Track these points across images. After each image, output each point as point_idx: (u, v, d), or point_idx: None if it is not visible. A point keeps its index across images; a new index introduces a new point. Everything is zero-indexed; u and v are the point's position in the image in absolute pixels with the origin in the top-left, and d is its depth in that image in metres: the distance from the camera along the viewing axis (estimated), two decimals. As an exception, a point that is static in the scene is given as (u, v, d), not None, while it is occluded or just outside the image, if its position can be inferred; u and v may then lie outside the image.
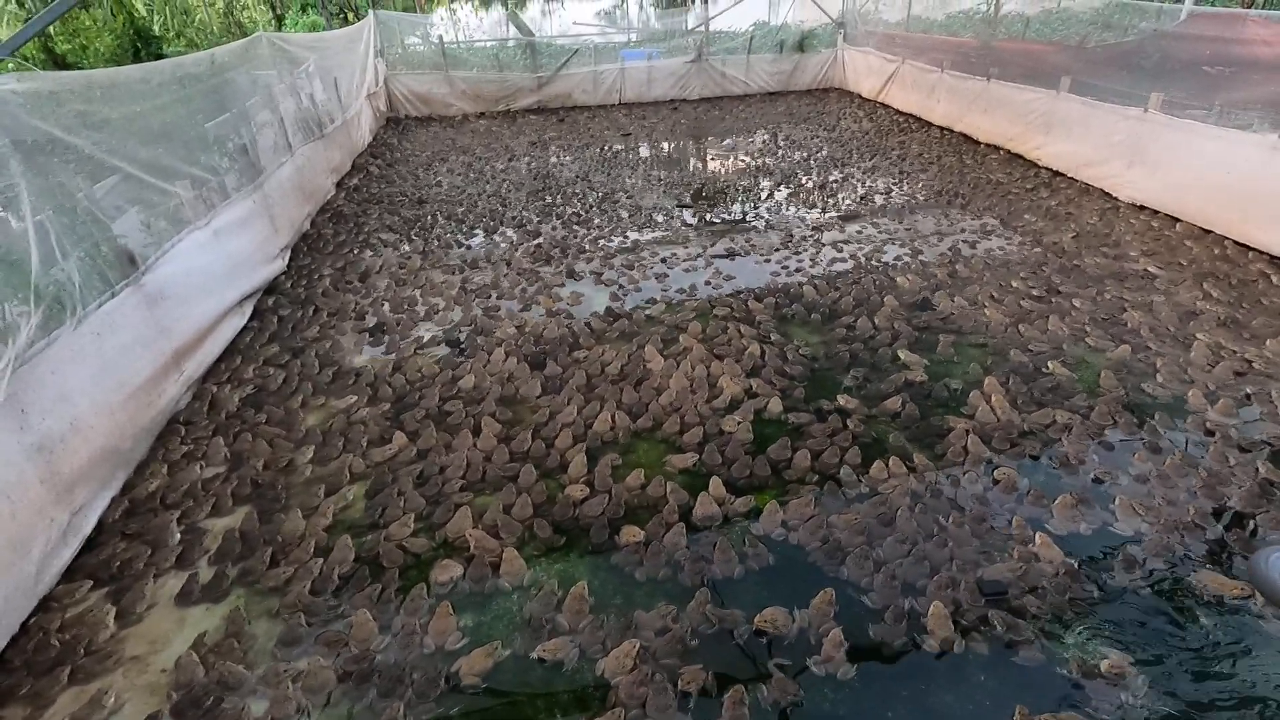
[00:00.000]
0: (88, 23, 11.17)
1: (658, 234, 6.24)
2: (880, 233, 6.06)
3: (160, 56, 10.25)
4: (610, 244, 6.04)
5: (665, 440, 3.60)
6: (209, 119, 5.12)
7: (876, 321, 4.58)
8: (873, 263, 5.48)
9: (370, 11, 10.74)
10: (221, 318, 4.53)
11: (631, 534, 2.98)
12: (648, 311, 4.87)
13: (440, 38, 11.48)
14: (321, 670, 2.45)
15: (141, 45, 10.18)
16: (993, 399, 3.73)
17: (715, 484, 3.23)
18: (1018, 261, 5.37)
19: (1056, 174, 7.32)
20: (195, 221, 4.39)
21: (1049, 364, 4.04)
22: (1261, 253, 5.25)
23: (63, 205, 3.09)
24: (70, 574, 2.89)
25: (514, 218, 6.77)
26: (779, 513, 3.06)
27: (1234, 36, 6.28)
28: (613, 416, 3.74)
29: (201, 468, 3.49)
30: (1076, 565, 2.74)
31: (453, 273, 5.59)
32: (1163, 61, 6.78)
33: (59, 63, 9.80)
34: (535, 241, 6.14)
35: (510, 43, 12.72)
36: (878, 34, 11.55)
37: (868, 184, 7.33)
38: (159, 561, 2.95)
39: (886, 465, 3.30)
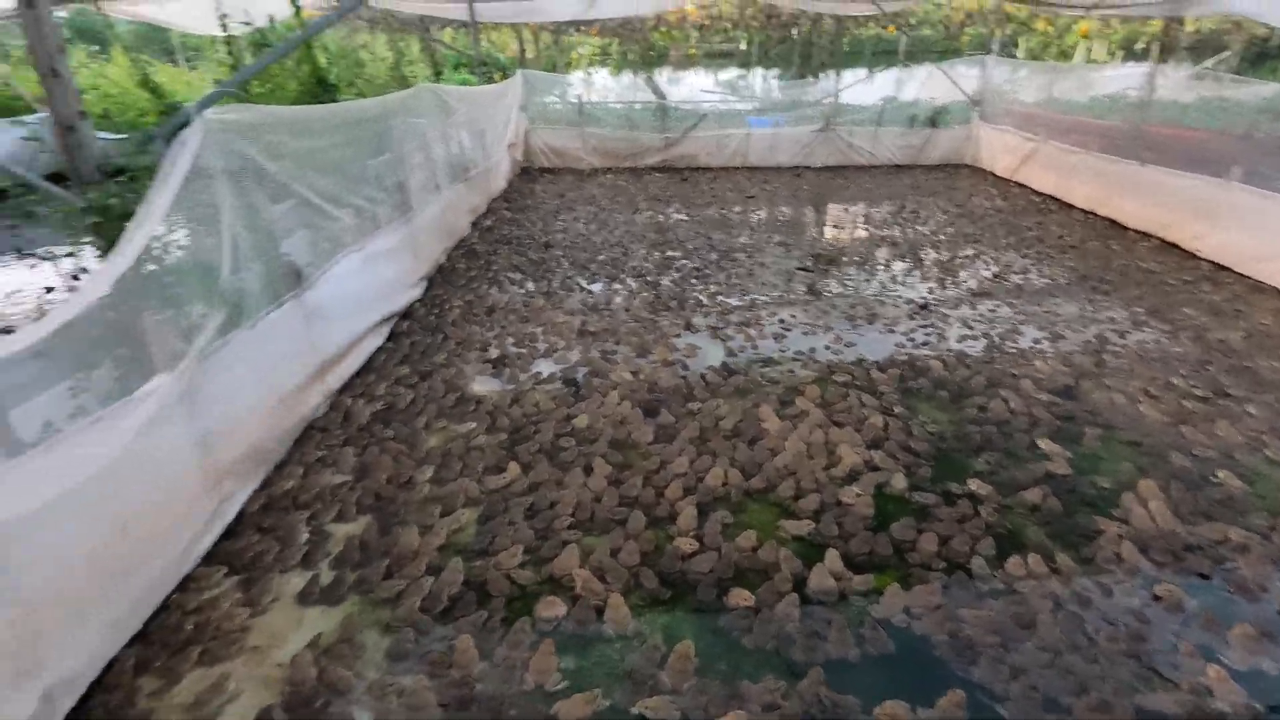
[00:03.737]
0: (276, 70, 12.68)
1: (776, 295, 6.19)
2: (1015, 313, 5.73)
3: (334, 100, 11.38)
4: (729, 301, 6.04)
5: (778, 504, 3.47)
6: (372, 157, 5.61)
7: (1012, 405, 4.28)
8: (1007, 344, 5.17)
9: (519, 71, 11.59)
10: (362, 337, 4.84)
11: (741, 597, 2.85)
12: (764, 370, 4.79)
13: (579, 97, 12.18)
14: (424, 691, 2.46)
15: (321, 91, 11.40)
16: (1150, 504, 3.36)
17: (832, 557, 3.06)
18: (1176, 357, 4.91)
19: (1220, 267, 6.71)
20: (351, 246, 4.77)
21: (1218, 473, 3.61)
22: None
23: (251, 223, 3.43)
24: (209, 558, 3.08)
25: (634, 268, 6.93)
26: (902, 597, 2.84)
27: None
28: (725, 473, 3.65)
29: (332, 474, 3.68)
30: (1263, 710, 2.36)
31: (573, 314, 5.74)
32: (1355, 155, 6.16)
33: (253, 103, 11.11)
34: (654, 292, 6.25)
35: (637, 105, 13.31)
36: (1016, 112, 11.21)
37: (1002, 262, 7.00)
38: (286, 559, 3.10)
39: (1025, 562, 3.01)
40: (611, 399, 4.38)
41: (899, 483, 3.57)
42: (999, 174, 11.21)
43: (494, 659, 2.60)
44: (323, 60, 12.46)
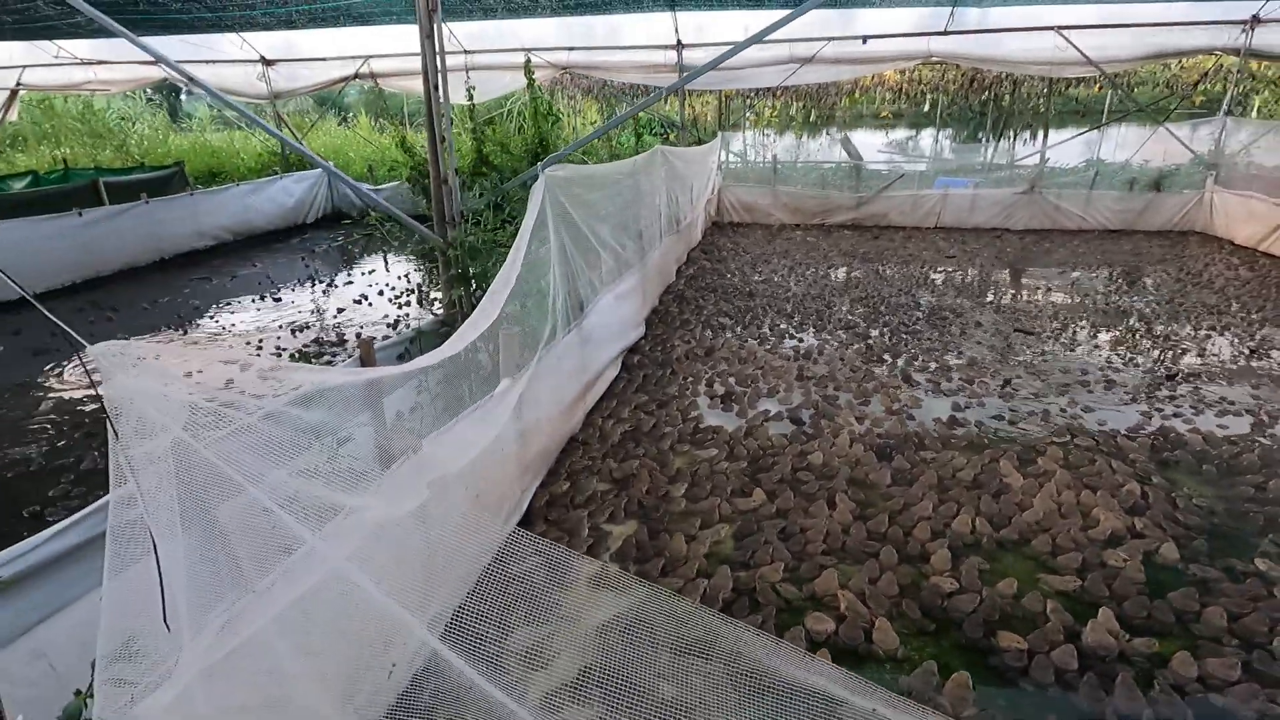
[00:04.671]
0: (500, 133, 14.45)
1: (996, 355, 6.09)
2: (1284, 392, 5.23)
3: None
4: (945, 358, 6.03)
5: (1035, 558, 3.46)
6: (624, 208, 6.32)
7: (1297, 488, 3.94)
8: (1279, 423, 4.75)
9: (720, 133, 12.38)
10: (607, 366, 5.43)
11: (1013, 640, 2.90)
12: (995, 427, 4.77)
13: (774, 156, 12.74)
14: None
15: (541, 151, 12.82)
16: None
17: (1106, 615, 3.02)
18: None
19: None
20: (609, 284, 5.41)
21: None
22: None
23: (564, 260, 4.08)
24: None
25: (840, 319, 7.11)
26: (1193, 666, 2.75)
27: None
28: (973, 521, 3.70)
29: (597, 481, 4.17)
30: None
31: (788, 360, 6.02)
32: None
33: (482, 159, 12.72)
34: (865, 343, 6.38)
35: (829, 165, 13.61)
36: (1265, 176, 10.19)
37: (1258, 337, 6.40)
38: (575, 547, 3.57)
39: (1343, 651, 2.80)
40: (843, 440, 4.57)
41: (1170, 553, 3.43)
42: (1240, 243, 10.17)
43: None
44: (545, 125, 13.96)
